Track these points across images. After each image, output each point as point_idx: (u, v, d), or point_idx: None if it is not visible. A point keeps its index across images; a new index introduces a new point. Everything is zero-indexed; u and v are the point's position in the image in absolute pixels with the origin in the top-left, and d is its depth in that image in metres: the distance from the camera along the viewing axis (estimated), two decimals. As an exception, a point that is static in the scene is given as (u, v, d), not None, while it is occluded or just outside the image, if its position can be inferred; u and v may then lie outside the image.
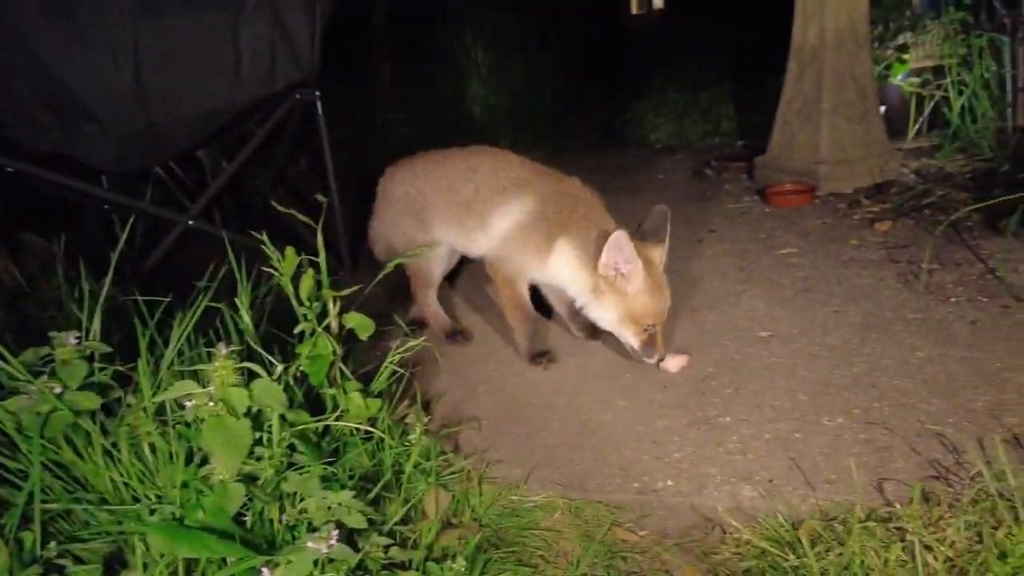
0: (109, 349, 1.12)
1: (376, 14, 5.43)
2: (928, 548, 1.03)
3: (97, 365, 1.12)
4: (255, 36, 2.34)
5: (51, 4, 1.93)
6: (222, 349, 1.00)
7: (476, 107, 5.37)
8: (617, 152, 4.65)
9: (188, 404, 1.01)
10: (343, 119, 5.66)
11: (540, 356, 1.78)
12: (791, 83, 3.06)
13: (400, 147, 5.48)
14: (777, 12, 4.02)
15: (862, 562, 1.03)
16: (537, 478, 1.35)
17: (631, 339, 1.62)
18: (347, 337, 1.32)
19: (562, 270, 1.69)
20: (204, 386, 1.01)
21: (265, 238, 1.27)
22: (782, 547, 1.09)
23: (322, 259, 1.26)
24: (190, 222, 2.39)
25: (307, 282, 1.21)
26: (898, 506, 1.14)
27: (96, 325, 1.17)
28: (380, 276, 1.51)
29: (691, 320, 1.94)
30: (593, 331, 1.87)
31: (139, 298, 1.31)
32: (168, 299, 1.35)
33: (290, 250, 1.20)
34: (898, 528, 1.09)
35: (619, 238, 1.54)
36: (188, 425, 1.08)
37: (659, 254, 1.68)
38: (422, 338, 1.48)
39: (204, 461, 1.08)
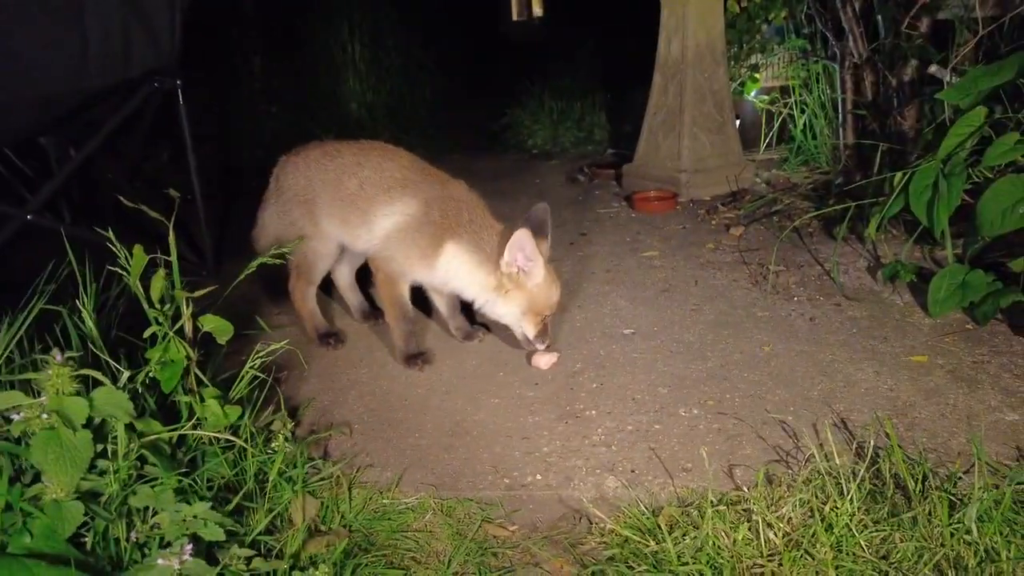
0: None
1: (246, 2, 5.17)
2: (769, 526, 1.13)
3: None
4: (104, 15, 2.14)
5: None
6: (57, 356, 0.91)
7: (353, 103, 5.25)
8: (496, 156, 4.71)
9: (16, 417, 0.92)
10: (209, 111, 5.36)
11: (416, 357, 1.77)
12: (656, 95, 3.24)
13: (271, 142, 5.28)
14: (645, 26, 4.26)
15: (714, 543, 1.11)
16: (409, 480, 1.34)
17: (530, 330, 1.68)
18: (206, 341, 1.25)
19: (456, 273, 1.71)
20: (36, 396, 0.92)
21: (111, 235, 1.17)
22: (643, 534, 1.15)
23: (174, 258, 1.18)
24: (29, 216, 2.16)
25: (157, 283, 1.13)
26: (746, 489, 1.24)
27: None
28: (244, 274, 1.44)
29: (562, 319, 2.00)
30: (469, 334, 1.90)
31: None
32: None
33: (138, 248, 1.11)
34: (745, 510, 1.18)
35: (522, 236, 1.59)
36: (18, 440, 0.97)
37: (545, 248, 1.74)
38: (284, 341, 1.42)
39: (37, 478, 0.98)
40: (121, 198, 1.39)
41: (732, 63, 3.34)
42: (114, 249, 1.15)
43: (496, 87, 6.81)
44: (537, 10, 16.00)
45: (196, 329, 1.18)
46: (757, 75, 3.36)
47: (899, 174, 1.95)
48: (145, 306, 1.16)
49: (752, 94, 3.43)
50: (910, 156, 2.55)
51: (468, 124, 5.89)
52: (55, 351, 0.91)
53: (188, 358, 1.13)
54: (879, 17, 2.85)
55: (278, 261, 1.58)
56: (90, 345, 1.13)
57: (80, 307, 1.15)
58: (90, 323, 1.14)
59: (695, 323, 1.91)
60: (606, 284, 2.25)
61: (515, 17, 16.16)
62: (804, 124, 3.35)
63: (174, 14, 2.29)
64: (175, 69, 2.40)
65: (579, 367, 1.71)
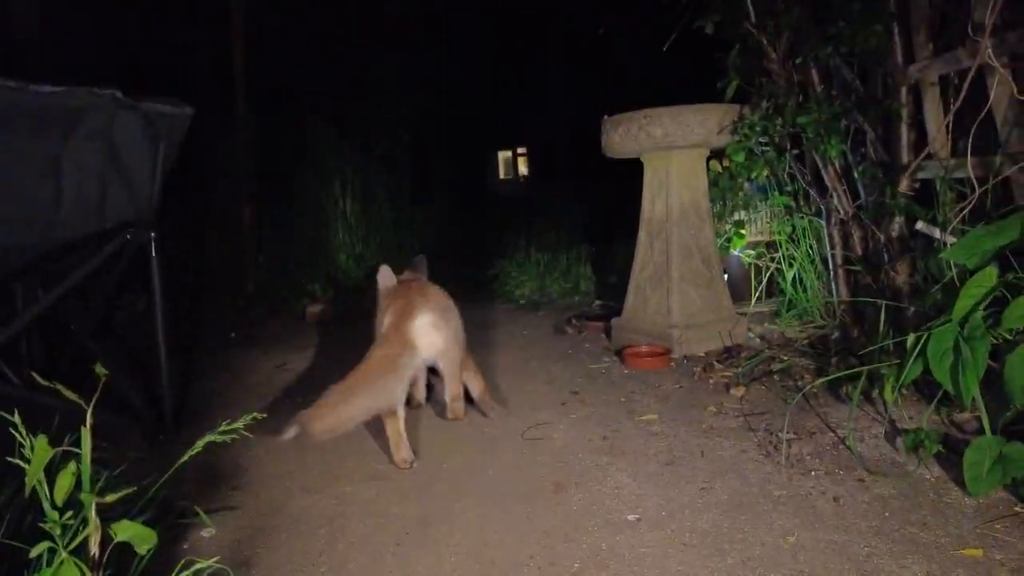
0: None
1: (241, 154, 5.32)
2: None
3: None
4: (82, 168, 2.09)
5: None
6: None
7: (343, 255, 5.24)
8: (485, 306, 4.63)
9: None
10: (193, 259, 5.31)
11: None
12: (642, 251, 3.20)
13: (255, 292, 5.17)
14: (624, 182, 4.36)
15: None
16: None
17: None
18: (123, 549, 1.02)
19: None
20: None
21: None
22: None
23: (85, 450, 0.98)
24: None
25: (64, 481, 0.92)
26: None
27: None
28: (183, 460, 1.23)
29: (557, 499, 1.76)
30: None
31: None
32: None
33: (41, 440, 0.91)
34: None
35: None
36: None
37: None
38: (213, 559, 1.17)
39: None
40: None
41: (717, 219, 3.35)
42: (19, 436, 0.95)
43: (484, 240, 6.94)
44: (523, 169, 16.93)
45: (106, 539, 0.95)
46: (743, 231, 3.36)
47: (911, 337, 1.83)
48: (46, 508, 0.94)
49: (739, 249, 3.42)
50: (907, 311, 2.47)
51: (457, 275, 5.88)
52: None
53: (88, 584, 0.89)
54: (856, 175, 2.89)
55: (225, 439, 1.37)
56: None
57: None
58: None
59: (707, 506, 1.68)
60: (604, 455, 2.03)
61: (502, 175, 17.06)
62: (793, 278, 3.31)
63: (155, 170, 2.24)
64: (151, 221, 2.31)
65: (578, 567, 1.46)
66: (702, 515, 1.64)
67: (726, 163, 3.17)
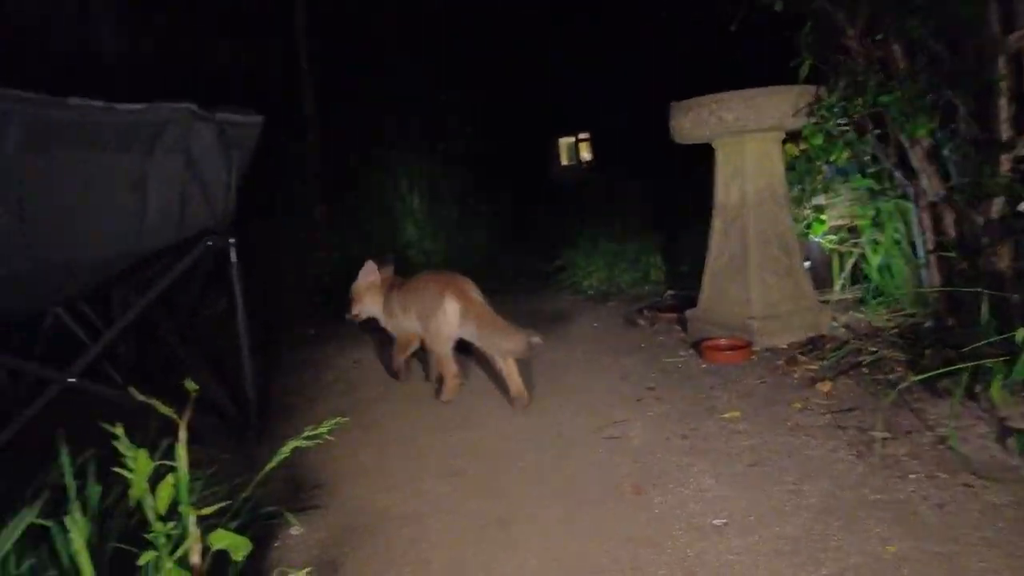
0: None
1: (311, 157, 5.46)
2: None
3: None
4: (165, 180, 2.17)
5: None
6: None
7: (411, 251, 5.31)
8: (552, 298, 4.61)
9: None
10: (269, 261, 5.49)
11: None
12: (717, 240, 3.10)
13: (331, 286, 5.29)
14: (693, 166, 4.23)
15: None
16: None
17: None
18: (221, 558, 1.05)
19: None
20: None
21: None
22: None
23: (182, 464, 1.01)
24: (69, 380, 2.08)
25: (164, 492, 0.95)
26: None
27: None
28: (271, 465, 1.26)
29: (638, 502, 1.73)
30: None
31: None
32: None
33: (142, 454, 0.95)
34: None
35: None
36: None
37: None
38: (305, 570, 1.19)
39: None
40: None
41: (795, 204, 3.20)
42: (120, 450, 0.99)
43: (547, 230, 6.89)
44: (585, 155, 16.73)
45: (205, 548, 0.98)
46: (823, 216, 3.20)
47: (1021, 331, 1.69)
48: (151, 518, 0.98)
49: (820, 235, 3.26)
50: (1010, 300, 2.29)
51: (522, 267, 5.88)
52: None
53: (191, 593, 0.92)
54: (946, 154, 2.70)
55: (314, 443, 1.41)
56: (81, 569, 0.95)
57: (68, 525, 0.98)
58: (78, 543, 0.95)
59: (797, 510, 1.61)
60: (685, 455, 1.97)
61: (564, 162, 16.90)
62: (880, 264, 3.13)
63: (230, 178, 2.31)
64: (229, 228, 2.39)
65: (663, 574, 1.42)
66: (792, 520, 1.57)
67: (803, 146, 3.02)
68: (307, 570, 1.18)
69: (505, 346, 2.46)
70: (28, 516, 0.96)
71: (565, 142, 17.15)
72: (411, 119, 5.75)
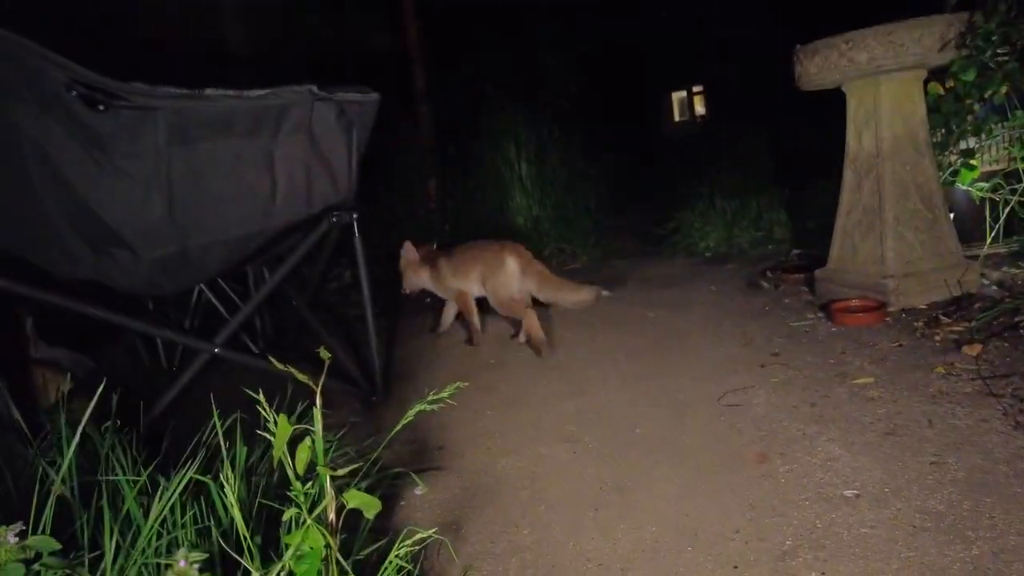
0: (57, 546, 0.94)
1: (422, 131, 5.58)
2: None
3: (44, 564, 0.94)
4: (291, 160, 2.30)
5: (86, 135, 1.92)
6: (180, 562, 0.81)
7: (520, 217, 5.34)
8: (664, 261, 4.49)
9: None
10: (389, 234, 5.73)
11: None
12: (848, 193, 2.87)
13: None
14: (819, 116, 3.92)
15: None
16: None
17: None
18: (353, 514, 1.12)
19: None
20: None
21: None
22: None
23: (318, 428, 1.08)
24: (216, 350, 2.29)
25: (303, 454, 1.03)
26: None
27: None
28: (395, 431, 1.33)
29: (761, 471, 1.67)
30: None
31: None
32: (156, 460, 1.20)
33: (282, 418, 1.03)
34: None
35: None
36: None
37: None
38: (431, 530, 1.24)
39: None
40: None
41: (940, 150, 2.90)
42: (264, 412, 1.08)
43: (660, 189, 6.68)
44: (700, 109, 16.01)
45: (340, 506, 1.06)
46: (973, 161, 2.88)
47: None
48: (291, 476, 1.06)
49: (968, 183, 2.94)
50: None
51: (633, 229, 5.76)
52: (181, 552, 0.82)
53: (327, 546, 1.00)
54: None
55: (436, 407, 1.46)
56: (235, 521, 1.05)
57: (224, 481, 1.08)
58: (231, 498, 1.06)
59: (940, 483, 1.50)
60: (813, 423, 1.88)
61: (677, 118, 16.27)
62: (1043, 213, 2.79)
63: (351, 155, 2.41)
64: (352, 203, 2.50)
65: (790, 544, 1.37)
66: (935, 494, 1.46)
67: (950, 83, 2.71)
68: (433, 530, 1.23)
69: (571, 298, 2.97)
70: (188, 473, 1.08)
71: (678, 97, 16.49)
72: (515, 82, 5.72)
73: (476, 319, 3.14)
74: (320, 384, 1.09)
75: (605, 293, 3.01)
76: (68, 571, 0.91)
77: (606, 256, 4.91)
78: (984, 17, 2.44)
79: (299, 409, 1.75)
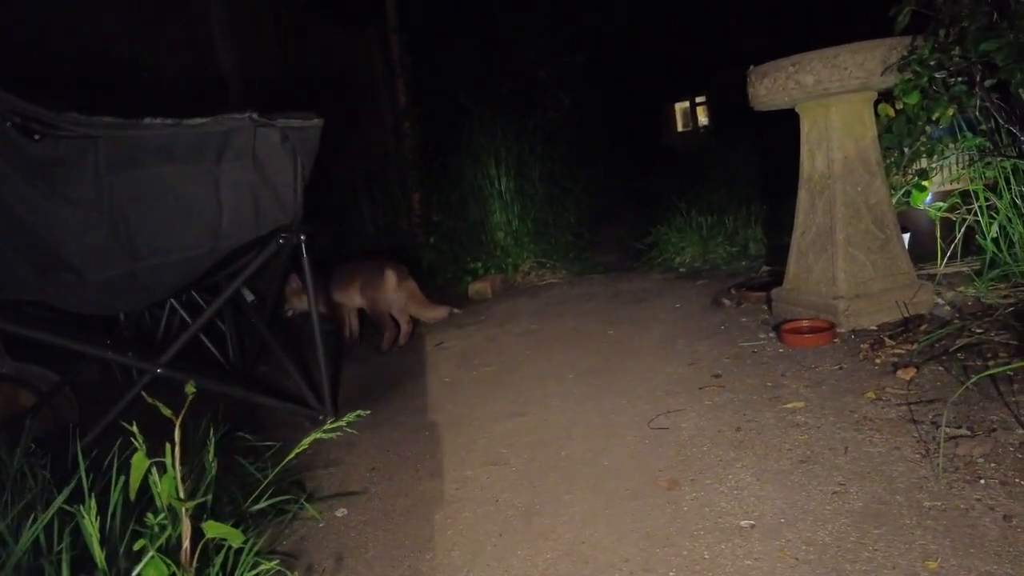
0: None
1: (406, 146, 5.65)
2: None
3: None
4: (236, 184, 2.36)
5: (25, 163, 1.98)
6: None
7: (500, 232, 5.37)
8: (641, 276, 4.50)
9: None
10: (375, 246, 5.77)
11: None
12: (803, 213, 2.88)
13: (426, 270, 5.48)
14: (794, 131, 3.90)
15: None
16: None
17: None
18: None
19: None
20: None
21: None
22: None
23: (176, 459, 1.11)
24: (158, 370, 2.34)
25: (166, 486, 1.06)
26: None
27: None
28: (295, 453, 1.36)
29: (668, 498, 1.68)
30: None
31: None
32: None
33: (138, 456, 1.06)
34: None
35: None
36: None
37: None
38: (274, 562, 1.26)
39: None
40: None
41: (894, 170, 2.91)
42: (135, 441, 1.12)
43: (651, 201, 6.69)
44: (703, 119, 15.99)
45: (197, 535, 1.09)
46: (925, 182, 2.88)
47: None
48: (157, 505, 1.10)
49: (924, 203, 2.94)
50: None
51: (617, 243, 5.78)
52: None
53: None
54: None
55: (333, 435, 1.49)
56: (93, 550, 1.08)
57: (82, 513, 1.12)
58: (90, 528, 1.09)
59: (836, 513, 1.50)
60: (732, 449, 1.89)
61: (679, 128, 16.26)
62: (996, 232, 2.77)
63: (296, 180, 2.46)
64: (300, 225, 2.55)
65: (670, 576, 1.38)
66: (827, 524, 1.47)
67: (899, 105, 2.72)
68: (275, 561, 1.26)
69: (428, 315, 3.70)
70: (57, 502, 1.12)
71: (680, 107, 16.48)
72: (503, 96, 5.77)
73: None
74: (181, 418, 1.13)
75: (456, 311, 3.85)
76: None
77: (584, 271, 4.93)
78: (924, 40, 2.44)
79: (222, 431, 1.79)
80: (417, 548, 1.63)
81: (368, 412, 1.62)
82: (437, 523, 1.73)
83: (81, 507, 1.11)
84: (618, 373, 2.65)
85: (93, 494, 1.15)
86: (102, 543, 1.11)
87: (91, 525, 1.08)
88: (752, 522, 1.52)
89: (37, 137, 1.90)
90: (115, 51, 3.84)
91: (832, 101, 2.67)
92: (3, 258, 2.16)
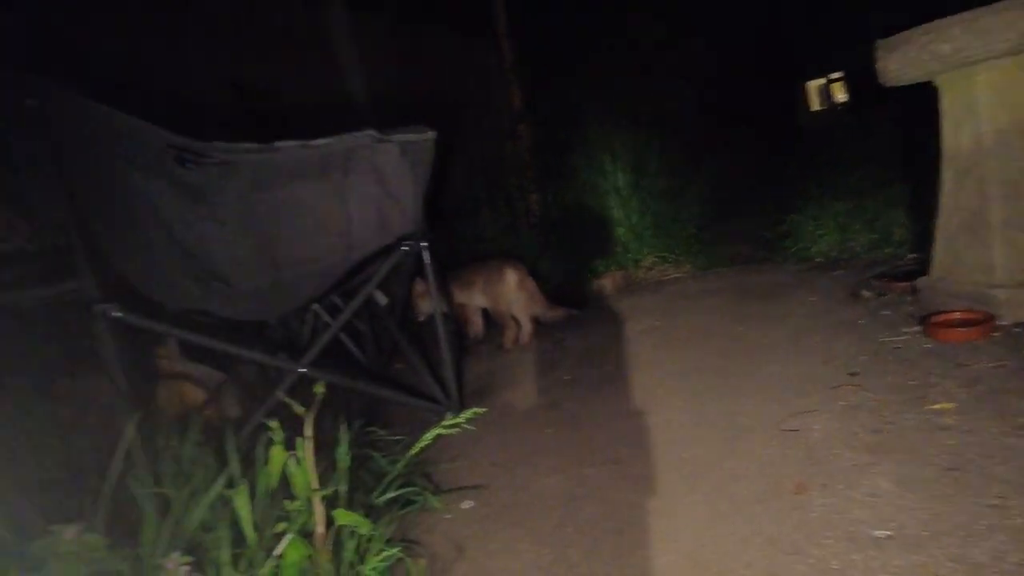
0: (104, 543, 1.15)
1: (521, 148, 5.74)
2: None
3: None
4: (362, 197, 2.52)
5: (182, 191, 2.24)
6: (167, 565, 0.98)
7: (620, 228, 5.32)
8: (773, 268, 4.28)
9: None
10: (491, 250, 5.92)
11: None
12: (948, 195, 2.62)
13: (549, 271, 5.53)
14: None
15: None
16: None
17: None
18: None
19: None
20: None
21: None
22: None
23: (309, 454, 1.22)
24: (301, 370, 2.54)
25: (300, 477, 1.17)
26: None
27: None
28: (419, 446, 1.44)
29: (796, 503, 1.60)
30: None
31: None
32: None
33: (276, 449, 1.17)
34: None
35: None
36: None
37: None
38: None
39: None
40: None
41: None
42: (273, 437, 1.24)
43: (785, 187, 6.32)
44: (840, 96, 14.86)
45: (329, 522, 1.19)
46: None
47: None
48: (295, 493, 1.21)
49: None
50: None
51: (748, 233, 5.52)
52: (173, 556, 0.98)
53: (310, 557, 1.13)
54: None
55: (453, 431, 1.56)
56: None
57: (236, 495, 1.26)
58: (244, 511, 1.21)
59: (992, 530, 1.36)
60: (868, 453, 1.76)
61: (815, 107, 15.22)
62: None
63: (416, 191, 2.58)
64: (422, 232, 2.68)
65: (795, 586, 1.32)
66: (980, 541, 1.33)
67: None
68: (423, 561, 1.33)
69: (548, 315, 3.66)
70: (216, 488, 1.27)
71: (815, 84, 15.44)
72: (616, 91, 5.71)
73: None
74: (312, 413, 1.24)
75: (575, 312, 3.76)
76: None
77: (710, 265, 4.76)
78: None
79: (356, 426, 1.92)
80: (536, 543, 1.66)
81: (485, 409, 1.67)
82: (556, 519, 1.76)
83: (234, 492, 1.26)
84: (745, 372, 2.54)
85: (244, 480, 1.29)
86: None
87: (243, 507, 1.21)
88: (889, 533, 1.42)
89: (189, 165, 2.14)
90: (258, 82, 4.21)
91: (978, 69, 2.41)
92: (171, 273, 2.45)
